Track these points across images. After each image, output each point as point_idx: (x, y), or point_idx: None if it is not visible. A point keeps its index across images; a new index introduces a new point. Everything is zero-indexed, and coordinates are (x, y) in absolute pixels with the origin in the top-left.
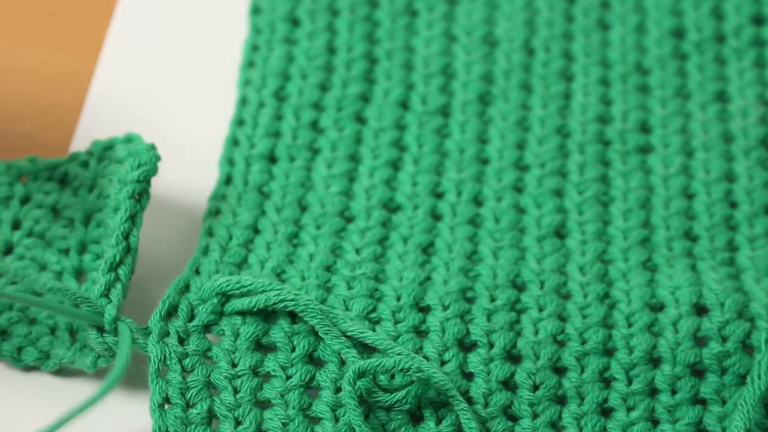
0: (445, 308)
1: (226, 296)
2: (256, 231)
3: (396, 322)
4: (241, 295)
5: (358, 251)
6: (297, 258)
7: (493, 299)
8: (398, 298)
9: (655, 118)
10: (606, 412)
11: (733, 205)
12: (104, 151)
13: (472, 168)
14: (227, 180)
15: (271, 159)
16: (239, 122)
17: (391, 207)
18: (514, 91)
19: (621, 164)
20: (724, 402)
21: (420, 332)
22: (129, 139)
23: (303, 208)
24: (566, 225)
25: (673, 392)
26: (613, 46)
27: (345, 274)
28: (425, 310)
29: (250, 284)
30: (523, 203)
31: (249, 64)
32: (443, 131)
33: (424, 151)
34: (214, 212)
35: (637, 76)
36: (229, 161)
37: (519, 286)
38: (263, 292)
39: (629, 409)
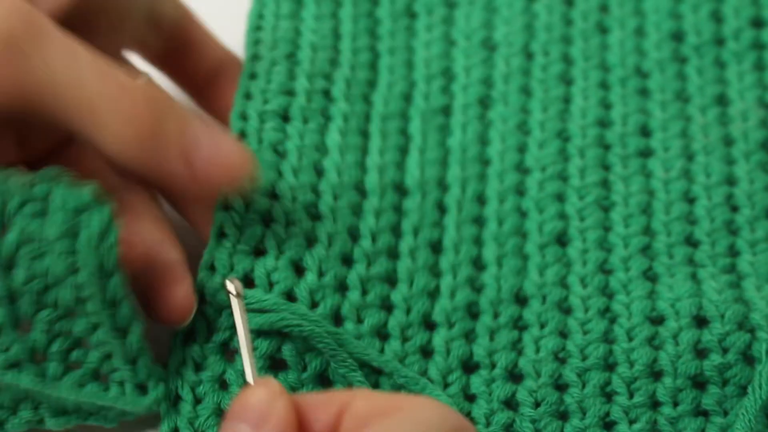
0: (451, 326)
1: None
2: (274, 196)
3: (404, 340)
4: (251, 311)
5: (374, 237)
6: (315, 240)
7: (496, 315)
8: (408, 311)
9: (655, 121)
10: (609, 425)
11: (734, 208)
12: None
13: (475, 167)
14: (240, 136)
15: (285, 117)
16: (251, 76)
17: (402, 189)
18: (513, 94)
19: (621, 168)
20: (726, 413)
21: (426, 353)
22: None
23: (319, 173)
24: (567, 232)
25: (675, 404)
26: (612, 50)
27: (360, 272)
28: (432, 326)
29: (255, 302)
30: (525, 206)
31: (256, 28)
32: (445, 129)
33: (428, 144)
34: None
35: (636, 79)
36: (241, 116)
37: (521, 300)
38: (268, 312)
39: (631, 422)
